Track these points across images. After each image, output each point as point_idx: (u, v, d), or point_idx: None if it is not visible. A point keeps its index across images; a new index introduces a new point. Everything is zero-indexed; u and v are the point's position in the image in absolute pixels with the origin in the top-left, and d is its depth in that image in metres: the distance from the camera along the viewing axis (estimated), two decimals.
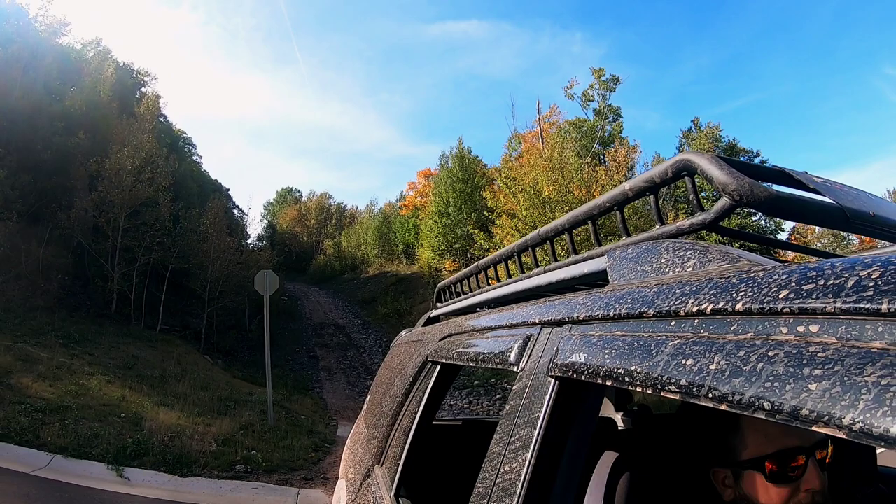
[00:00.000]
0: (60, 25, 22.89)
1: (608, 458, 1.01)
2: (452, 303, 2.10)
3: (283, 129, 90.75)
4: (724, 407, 0.46)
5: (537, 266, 1.36)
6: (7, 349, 9.75)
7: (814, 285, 0.45)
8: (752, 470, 0.86)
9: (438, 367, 1.57)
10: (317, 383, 15.59)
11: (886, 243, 0.89)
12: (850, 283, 0.42)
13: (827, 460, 0.88)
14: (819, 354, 0.40)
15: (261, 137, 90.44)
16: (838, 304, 0.41)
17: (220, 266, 19.07)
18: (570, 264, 1.15)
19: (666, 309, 0.62)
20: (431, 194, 30.29)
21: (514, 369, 0.94)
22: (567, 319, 0.86)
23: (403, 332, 2.64)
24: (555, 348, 0.83)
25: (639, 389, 0.59)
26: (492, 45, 71.93)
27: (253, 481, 6.24)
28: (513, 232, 18.19)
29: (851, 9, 55.44)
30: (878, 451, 1.09)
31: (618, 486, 0.96)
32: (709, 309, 0.55)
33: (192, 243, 18.90)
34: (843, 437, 0.36)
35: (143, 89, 28.53)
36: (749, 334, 0.48)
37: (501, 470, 0.85)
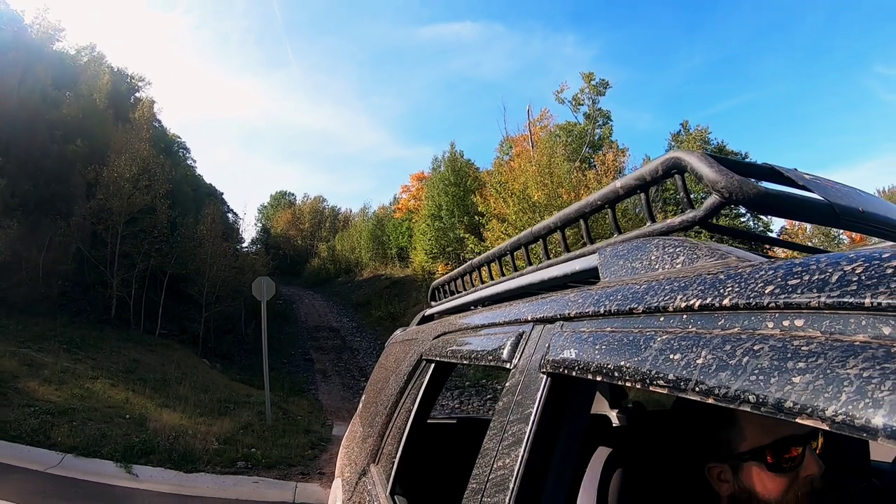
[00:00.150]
0: (55, 31, 23.01)
1: (601, 454, 1.01)
2: (446, 301, 2.10)
3: (276, 131, 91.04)
4: (710, 400, 0.47)
5: (530, 264, 1.37)
6: (12, 354, 10.10)
7: (799, 280, 0.46)
8: (751, 461, 0.86)
9: (433, 365, 1.58)
10: (312, 385, 15.99)
11: (877, 239, 0.88)
12: (835, 277, 0.43)
13: (818, 451, 0.88)
14: (803, 348, 0.41)
15: (254, 141, 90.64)
16: (823, 299, 0.42)
17: (216, 271, 19.45)
18: (562, 262, 1.16)
19: (655, 305, 0.63)
20: (424, 198, 30.53)
21: (507, 366, 0.95)
22: (559, 316, 0.87)
23: (398, 331, 2.65)
24: (546, 345, 0.84)
25: (628, 384, 0.60)
26: (483, 47, 72.36)
27: (254, 476, 6.67)
28: (503, 236, 18.59)
29: (843, 9, 56.08)
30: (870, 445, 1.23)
31: (611, 482, 0.97)
32: (696, 304, 0.56)
33: (190, 249, 19.30)
34: (826, 428, 0.37)
35: (137, 94, 28.82)
36: (736, 329, 0.49)
37: (495, 466, 0.86)
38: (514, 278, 1.40)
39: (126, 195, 16.63)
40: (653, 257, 0.81)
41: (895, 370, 0.34)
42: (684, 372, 0.50)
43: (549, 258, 1.25)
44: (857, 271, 0.42)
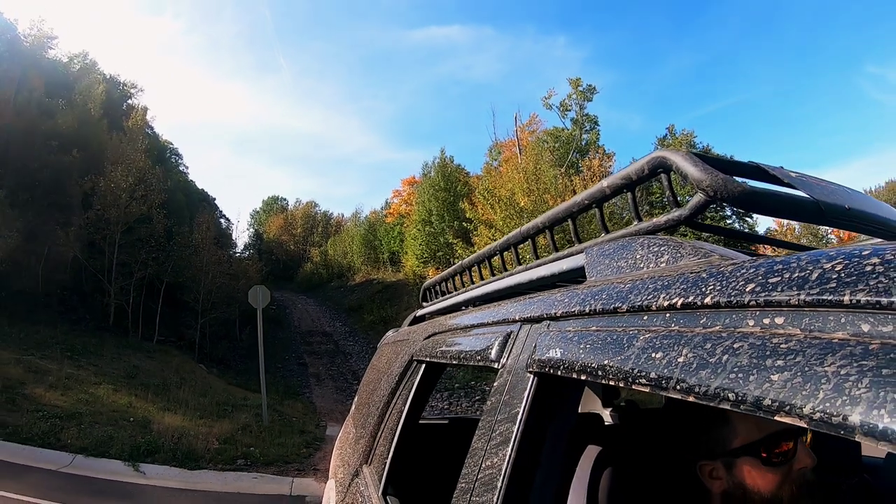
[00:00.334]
0: (48, 39, 23.14)
1: (591, 453, 1.01)
2: (437, 302, 2.11)
3: (267, 135, 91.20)
4: (691, 398, 0.47)
5: (519, 264, 1.37)
6: (17, 362, 10.55)
7: (779, 278, 0.46)
8: (745, 457, 0.86)
9: (423, 365, 1.58)
10: (306, 388, 16.46)
11: (864, 237, 0.86)
12: (815, 275, 0.43)
13: (808, 445, 0.89)
14: (782, 346, 0.41)
15: (245, 145, 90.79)
16: (802, 297, 0.42)
17: (211, 278, 19.91)
18: (550, 262, 1.17)
19: (639, 304, 0.63)
20: (415, 203, 30.87)
21: (495, 366, 0.95)
22: (545, 316, 0.87)
23: (390, 332, 2.66)
24: (533, 345, 0.85)
25: (612, 383, 0.60)
26: (474, 50, 72.73)
27: (253, 472, 7.21)
28: (491, 242, 18.93)
29: (832, 8, 56.45)
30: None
31: (601, 481, 0.96)
32: (679, 303, 0.56)
33: (185, 258, 19.75)
34: (805, 426, 0.37)
35: (129, 101, 29.04)
36: (717, 327, 0.49)
37: (483, 465, 0.86)
38: (503, 278, 1.42)
39: (123, 205, 17.11)
40: (638, 256, 0.82)
41: (872, 367, 0.34)
42: (666, 370, 0.51)
43: (537, 258, 1.26)
44: (836, 269, 0.42)
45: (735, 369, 0.43)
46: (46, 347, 12.31)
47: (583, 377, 0.66)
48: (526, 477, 0.79)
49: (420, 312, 2.33)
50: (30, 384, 9.60)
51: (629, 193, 0.94)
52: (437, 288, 2.23)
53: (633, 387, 0.55)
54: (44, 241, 16.00)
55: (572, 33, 65.60)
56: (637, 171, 0.89)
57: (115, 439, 7.67)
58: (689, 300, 0.55)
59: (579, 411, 1.74)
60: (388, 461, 1.54)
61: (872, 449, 1.21)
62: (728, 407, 0.43)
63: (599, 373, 0.62)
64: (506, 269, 1.46)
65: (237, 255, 33.06)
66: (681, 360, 0.49)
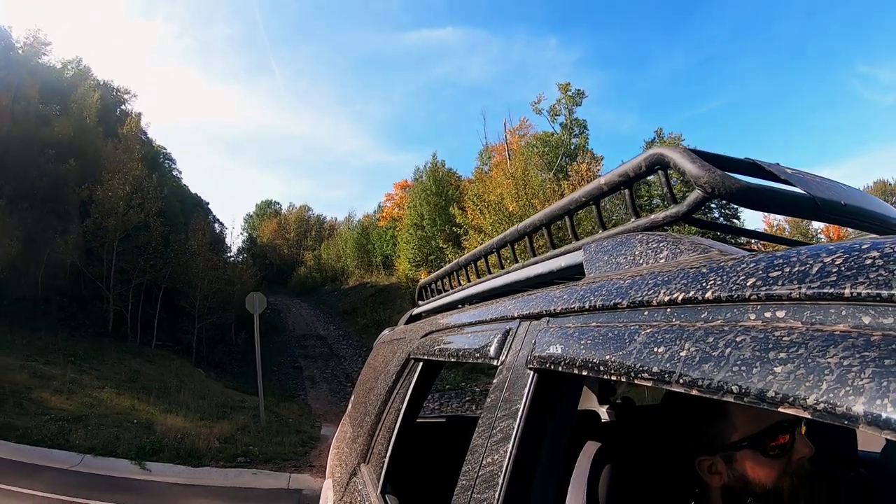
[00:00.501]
0: (41, 45, 23.17)
1: (590, 449, 1.01)
2: (433, 300, 2.10)
3: (260, 139, 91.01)
4: (694, 392, 0.47)
5: (517, 262, 1.37)
6: (22, 368, 10.96)
7: (780, 272, 0.46)
8: (745, 450, 0.86)
9: (421, 364, 1.58)
10: (301, 391, 16.89)
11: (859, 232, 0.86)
12: (815, 269, 0.43)
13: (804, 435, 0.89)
14: (785, 338, 0.41)
15: (238, 148, 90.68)
16: (803, 290, 0.43)
17: (207, 284, 20.30)
18: (548, 259, 1.17)
19: (639, 299, 0.63)
20: (407, 207, 31.02)
21: (495, 363, 0.96)
22: (544, 312, 0.87)
23: (386, 331, 2.64)
24: (533, 341, 0.85)
25: (613, 378, 0.60)
26: (467, 53, 72.72)
27: (252, 469, 7.73)
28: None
29: (822, 8, 57.30)
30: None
31: (601, 477, 0.96)
32: (680, 298, 0.56)
33: (182, 264, 20.15)
34: (808, 416, 0.37)
35: (123, 107, 29.23)
36: (718, 321, 0.49)
37: (484, 462, 0.86)
38: (500, 276, 1.42)
39: (121, 214, 17.53)
40: (636, 252, 0.82)
41: (875, 358, 0.34)
42: (668, 365, 0.51)
43: (535, 255, 1.26)
44: (836, 262, 0.42)
45: (738, 362, 0.44)
46: (49, 353, 12.72)
47: (584, 373, 0.67)
48: (527, 473, 0.79)
49: (416, 311, 2.32)
50: (35, 389, 10.02)
51: (626, 190, 0.95)
52: (434, 286, 2.22)
53: (636, 382, 0.56)
54: (43, 249, 16.31)
55: (564, 35, 65.17)
56: (634, 168, 0.90)
57: (121, 440, 8.14)
58: (690, 295, 0.55)
59: None
60: (387, 460, 1.54)
61: (869, 443, 1.29)
62: (731, 399, 0.43)
63: (601, 368, 0.62)
64: (503, 267, 1.47)
65: (231, 259, 33.25)
66: (683, 354, 0.50)
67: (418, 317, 2.26)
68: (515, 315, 0.99)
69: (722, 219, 25.19)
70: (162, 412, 9.89)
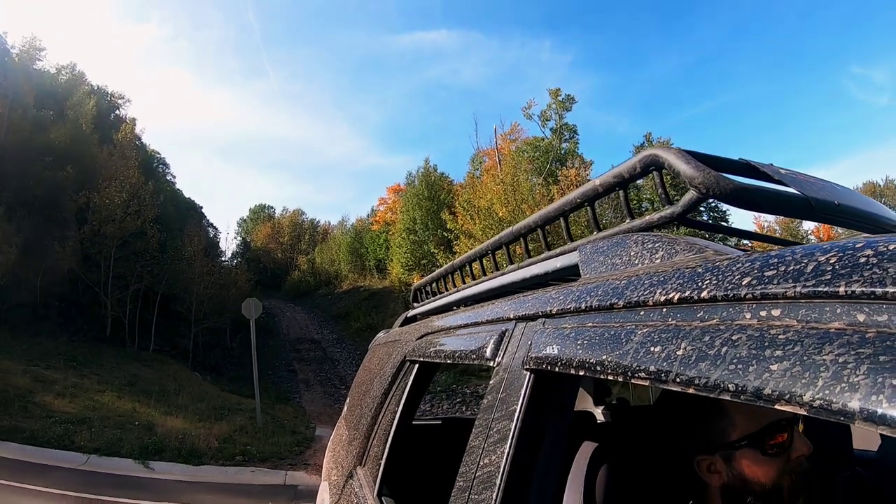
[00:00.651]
0: (36, 51, 23.12)
1: (587, 450, 1.00)
2: (429, 302, 2.11)
3: (254, 142, 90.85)
4: (691, 390, 0.48)
5: (511, 263, 1.37)
6: (24, 372, 11.33)
7: (775, 272, 0.47)
8: (744, 449, 0.85)
9: (416, 366, 1.58)
10: (296, 393, 17.30)
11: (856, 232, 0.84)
12: (810, 268, 0.44)
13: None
14: (780, 336, 0.42)
15: (231, 152, 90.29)
16: (798, 289, 0.43)
17: (203, 289, 20.65)
18: (543, 260, 1.17)
19: (635, 299, 0.63)
20: (400, 211, 31.10)
21: (491, 364, 0.96)
22: (540, 313, 0.88)
23: (381, 333, 2.63)
24: (529, 342, 0.85)
25: (610, 378, 0.60)
26: (461, 55, 72.31)
27: (250, 467, 8.19)
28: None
29: (817, 9, 56.94)
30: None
31: (597, 477, 0.96)
32: (676, 298, 0.57)
33: (179, 270, 20.47)
34: (805, 413, 0.37)
35: (117, 112, 29.37)
36: (714, 320, 0.50)
37: (481, 463, 0.86)
38: (495, 277, 1.42)
39: (118, 221, 17.89)
40: (632, 253, 0.82)
41: (870, 355, 0.35)
42: (665, 364, 0.51)
43: (529, 256, 1.27)
44: (831, 261, 0.42)
45: (734, 360, 0.44)
46: (50, 358, 13.09)
47: (581, 373, 0.68)
48: (525, 474, 0.79)
49: (411, 313, 2.32)
50: (38, 392, 10.40)
51: (621, 191, 0.96)
52: (429, 288, 2.22)
53: (633, 381, 0.56)
54: (41, 256, 16.59)
55: (558, 37, 64.65)
56: (629, 169, 0.90)
57: (124, 440, 8.55)
58: (686, 295, 0.55)
59: None
60: (383, 462, 1.53)
61: (864, 441, 1.37)
62: (728, 397, 0.43)
63: (598, 368, 0.63)
64: (497, 269, 1.47)
65: (226, 263, 33.47)
66: (679, 353, 0.50)
67: (413, 319, 2.27)
68: (511, 316, 1.00)
69: (711, 221, 25.47)
70: (162, 414, 10.30)
